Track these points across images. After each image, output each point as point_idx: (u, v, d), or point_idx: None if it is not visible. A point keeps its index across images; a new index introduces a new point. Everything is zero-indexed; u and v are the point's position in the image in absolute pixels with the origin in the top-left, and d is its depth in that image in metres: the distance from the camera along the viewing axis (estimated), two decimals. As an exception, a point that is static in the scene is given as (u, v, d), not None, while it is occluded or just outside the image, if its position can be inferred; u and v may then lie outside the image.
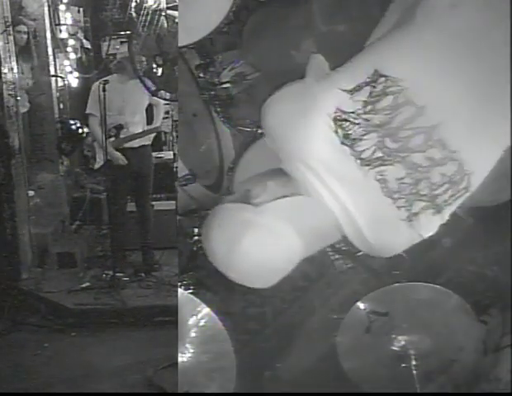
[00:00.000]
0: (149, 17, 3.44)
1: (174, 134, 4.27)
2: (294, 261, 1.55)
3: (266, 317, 2.68)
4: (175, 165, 4.09)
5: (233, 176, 2.19)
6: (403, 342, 2.26)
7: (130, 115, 4.19)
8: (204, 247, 1.61)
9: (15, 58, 4.19)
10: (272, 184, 1.59)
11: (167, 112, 4.63)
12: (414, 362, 2.23)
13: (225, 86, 2.37)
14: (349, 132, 1.44)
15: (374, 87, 1.44)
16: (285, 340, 2.65)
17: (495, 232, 2.24)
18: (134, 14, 3.72)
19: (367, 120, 1.44)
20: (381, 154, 1.43)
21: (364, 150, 1.43)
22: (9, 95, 4.12)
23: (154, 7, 3.52)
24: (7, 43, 4.10)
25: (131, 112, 4.20)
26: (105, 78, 4.12)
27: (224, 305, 2.60)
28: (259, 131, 2.21)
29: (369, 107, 1.44)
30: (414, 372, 2.21)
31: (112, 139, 4.13)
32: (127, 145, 4.17)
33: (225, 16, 2.09)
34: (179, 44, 2.18)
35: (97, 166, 4.28)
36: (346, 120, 1.44)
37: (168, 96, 3.67)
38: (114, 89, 4.09)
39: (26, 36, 4.47)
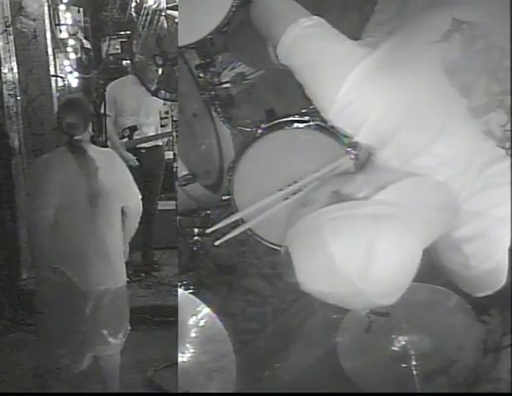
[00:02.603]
0: (149, 17, 3.44)
1: (174, 134, 4.27)
2: (419, 254, 1.41)
3: (266, 317, 2.68)
4: (175, 165, 4.10)
5: (233, 176, 2.19)
6: (403, 342, 2.26)
7: (143, 116, 4.21)
8: (320, 272, 1.39)
9: (15, 58, 4.19)
10: (363, 177, 1.54)
11: (166, 112, 4.64)
12: (414, 362, 2.23)
13: (225, 86, 2.37)
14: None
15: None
16: (285, 340, 2.65)
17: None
18: (134, 14, 3.73)
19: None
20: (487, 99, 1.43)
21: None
22: (9, 95, 4.12)
23: (154, 7, 3.52)
24: (7, 43, 4.10)
25: (145, 114, 4.21)
26: (120, 80, 4.17)
27: (224, 305, 2.60)
28: (259, 131, 2.21)
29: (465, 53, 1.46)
30: (415, 372, 2.22)
31: (126, 139, 4.15)
32: (140, 145, 4.19)
33: (225, 16, 2.09)
34: (179, 44, 2.18)
35: None
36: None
37: (168, 96, 3.68)
38: (128, 90, 4.10)
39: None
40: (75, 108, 2.33)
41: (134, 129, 4.17)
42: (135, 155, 4.15)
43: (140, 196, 2.41)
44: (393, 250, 1.35)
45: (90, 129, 2.35)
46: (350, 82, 1.52)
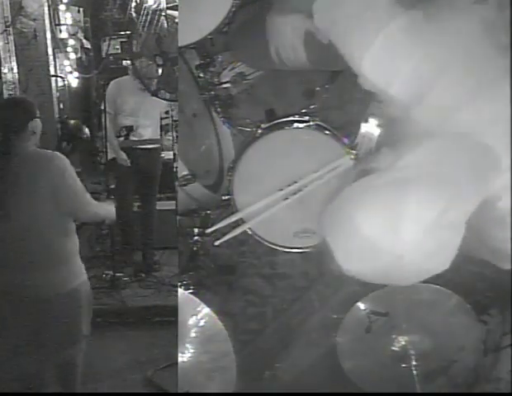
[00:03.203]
0: (149, 17, 3.44)
1: (174, 134, 4.27)
2: (456, 216, 1.39)
3: (266, 317, 2.68)
4: (175, 165, 4.10)
5: (233, 176, 2.19)
6: (403, 342, 2.26)
7: (142, 117, 4.20)
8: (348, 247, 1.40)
9: (15, 58, 4.19)
10: (386, 149, 1.53)
11: (166, 112, 4.63)
12: (414, 362, 2.23)
13: (225, 86, 2.36)
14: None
15: None
16: (285, 340, 2.65)
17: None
18: (134, 14, 3.72)
19: None
20: None
21: None
22: (9, 95, 4.12)
23: (154, 7, 3.52)
24: (7, 43, 4.10)
25: (144, 115, 4.20)
26: (121, 78, 4.20)
27: (224, 305, 2.60)
28: (259, 131, 2.21)
29: None
30: (415, 372, 2.22)
31: (122, 138, 4.15)
32: (136, 145, 4.20)
33: (225, 16, 2.09)
34: (179, 44, 2.18)
35: (104, 160, 4.28)
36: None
37: (168, 96, 3.67)
38: (128, 90, 4.10)
39: None
40: (12, 109, 2.29)
41: (130, 129, 4.17)
42: (131, 155, 4.15)
43: (91, 201, 2.29)
44: (419, 210, 1.34)
45: (37, 130, 2.28)
46: (386, 35, 1.50)
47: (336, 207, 1.48)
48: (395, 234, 1.33)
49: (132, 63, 3.77)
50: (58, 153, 2.26)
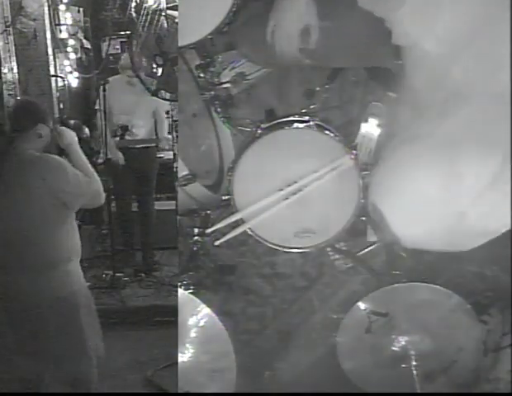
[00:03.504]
0: (149, 17, 3.44)
1: (174, 134, 4.26)
2: None
3: (266, 317, 2.68)
4: (175, 165, 4.10)
5: (233, 176, 2.19)
6: (403, 343, 2.26)
7: (136, 117, 4.20)
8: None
9: (15, 58, 4.19)
10: (430, 112, 1.53)
11: (167, 112, 4.64)
12: (414, 362, 2.23)
13: (225, 86, 2.36)
14: None
15: None
16: (285, 340, 2.65)
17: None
18: (134, 14, 3.72)
19: None
20: None
21: None
22: (9, 95, 4.11)
23: (154, 7, 3.52)
24: (7, 43, 4.10)
25: (138, 114, 4.20)
26: (114, 77, 4.19)
27: (224, 305, 2.60)
28: (259, 131, 2.21)
29: None
30: (415, 372, 2.22)
31: (117, 138, 4.15)
32: (132, 145, 4.19)
33: (225, 16, 2.09)
34: (179, 44, 2.18)
35: (100, 160, 4.29)
36: None
37: (168, 96, 3.67)
38: (121, 89, 4.10)
39: None
40: (20, 111, 2.30)
41: (126, 128, 4.17)
42: (127, 155, 4.15)
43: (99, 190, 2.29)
44: (477, 167, 1.35)
45: (43, 133, 2.27)
46: None
47: (388, 175, 1.46)
48: (456, 192, 1.33)
49: (132, 63, 3.77)
50: (55, 156, 2.25)
